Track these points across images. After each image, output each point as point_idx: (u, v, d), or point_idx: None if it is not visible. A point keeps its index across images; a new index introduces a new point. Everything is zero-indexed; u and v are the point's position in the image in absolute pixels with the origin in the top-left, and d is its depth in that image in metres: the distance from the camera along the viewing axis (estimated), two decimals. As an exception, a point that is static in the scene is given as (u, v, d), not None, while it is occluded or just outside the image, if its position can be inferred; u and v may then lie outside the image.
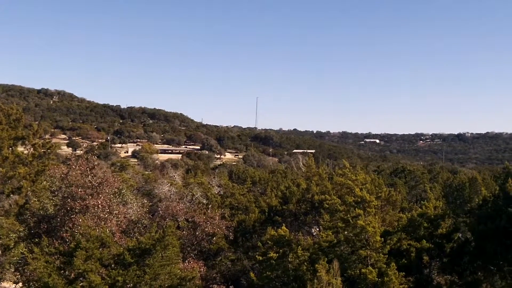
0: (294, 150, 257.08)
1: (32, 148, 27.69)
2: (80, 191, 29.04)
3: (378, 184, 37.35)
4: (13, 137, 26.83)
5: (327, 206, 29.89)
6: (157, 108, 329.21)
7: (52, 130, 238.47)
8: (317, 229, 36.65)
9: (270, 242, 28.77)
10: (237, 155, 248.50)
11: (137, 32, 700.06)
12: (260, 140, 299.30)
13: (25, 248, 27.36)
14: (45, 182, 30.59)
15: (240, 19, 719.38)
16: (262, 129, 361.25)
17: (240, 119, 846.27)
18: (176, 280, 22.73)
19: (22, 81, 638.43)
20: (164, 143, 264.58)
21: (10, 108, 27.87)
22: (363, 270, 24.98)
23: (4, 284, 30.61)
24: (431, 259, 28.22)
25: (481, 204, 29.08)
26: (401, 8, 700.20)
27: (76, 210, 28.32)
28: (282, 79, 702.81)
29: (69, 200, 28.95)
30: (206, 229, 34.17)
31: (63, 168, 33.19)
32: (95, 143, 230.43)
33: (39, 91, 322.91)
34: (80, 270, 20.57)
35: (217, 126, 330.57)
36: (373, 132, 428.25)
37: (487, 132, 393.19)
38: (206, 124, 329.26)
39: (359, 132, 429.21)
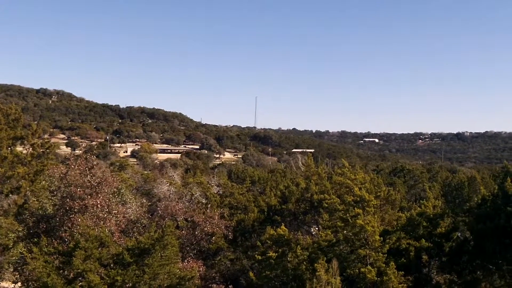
0: (293, 150, 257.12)
1: (31, 148, 27.65)
2: (79, 191, 29.01)
3: (377, 184, 37.40)
4: (12, 137, 26.80)
5: (326, 205, 29.90)
6: (156, 107, 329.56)
7: (51, 130, 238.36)
8: (316, 228, 36.65)
9: (269, 242, 28.77)
10: (236, 155, 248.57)
11: (136, 32, 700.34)
12: (259, 139, 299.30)
13: (24, 248, 27.33)
14: (44, 182, 30.55)
15: (239, 19, 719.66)
16: (261, 128, 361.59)
17: (239, 118, 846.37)
18: (175, 279, 22.73)
19: (21, 81, 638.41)
20: (163, 143, 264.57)
21: (9, 108, 27.84)
22: (362, 270, 25.00)
23: (3, 284, 30.60)
24: (430, 258, 28.24)
25: (480, 203, 29.09)
26: (400, 7, 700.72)
27: (75, 210, 28.30)
28: (281, 79, 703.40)
29: (68, 199, 28.92)
30: (205, 229, 34.16)
31: (62, 168, 33.14)
32: (94, 142, 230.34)
33: (38, 91, 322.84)
34: (79, 270, 20.57)
35: (216, 125, 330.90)
36: (372, 132, 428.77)
37: (486, 132, 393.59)
38: (205, 123, 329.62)
39: (358, 132, 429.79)
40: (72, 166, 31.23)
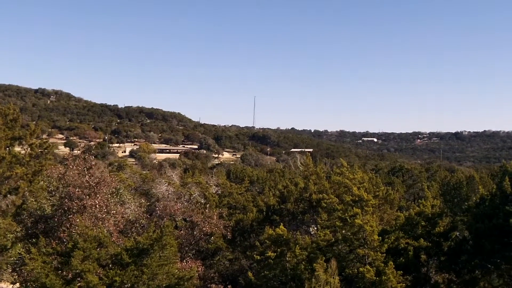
0: (292, 149, 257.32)
1: (29, 148, 27.63)
2: (78, 191, 28.97)
3: (375, 183, 37.47)
4: (10, 137, 26.78)
5: (325, 205, 29.90)
6: (155, 107, 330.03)
7: (50, 130, 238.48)
8: (315, 228, 36.63)
9: (268, 242, 28.75)
10: (235, 154, 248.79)
11: (134, 31, 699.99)
12: (258, 139, 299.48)
13: (23, 248, 27.31)
14: (42, 182, 30.52)
15: (238, 19, 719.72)
16: (260, 128, 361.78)
17: (238, 118, 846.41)
18: (174, 280, 22.71)
19: (19, 81, 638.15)
20: (161, 143, 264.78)
21: (7, 108, 27.80)
22: (361, 269, 25.00)
23: (2, 284, 30.59)
24: (429, 258, 28.23)
25: (479, 202, 29.09)
26: (399, 7, 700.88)
27: (74, 210, 28.26)
28: (280, 78, 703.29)
29: (66, 200, 28.88)
30: (204, 229, 34.14)
31: (60, 168, 33.10)
32: (92, 142, 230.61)
33: (36, 91, 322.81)
34: (77, 270, 20.55)
35: (215, 125, 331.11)
36: (371, 131, 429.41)
37: (485, 131, 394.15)
38: (204, 123, 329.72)
39: (357, 131, 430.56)
40: (71, 166, 31.18)
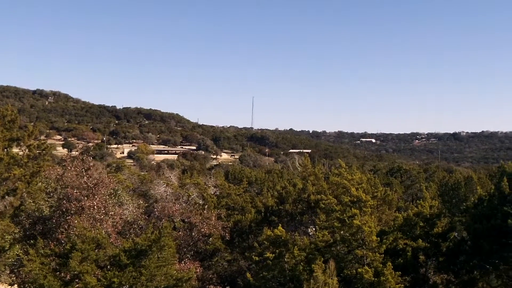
0: (290, 150, 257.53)
1: (27, 149, 27.54)
2: (76, 192, 28.95)
3: (374, 184, 37.48)
4: (8, 138, 26.70)
5: (323, 206, 29.90)
6: (153, 108, 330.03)
7: (48, 131, 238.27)
8: (314, 229, 36.63)
9: (266, 242, 28.75)
10: (233, 155, 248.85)
11: (132, 32, 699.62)
12: (256, 140, 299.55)
13: (21, 249, 27.24)
14: (40, 183, 30.48)
15: (236, 19, 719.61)
16: (258, 129, 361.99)
17: (236, 119, 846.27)
18: (172, 281, 22.68)
19: (17, 82, 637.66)
20: (160, 144, 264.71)
21: (5, 109, 27.73)
22: (359, 270, 24.99)
23: (0, 286, 30.52)
24: (427, 258, 28.24)
25: (477, 203, 29.10)
26: (397, 7, 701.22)
27: (72, 212, 28.24)
28: (278, 79, 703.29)
29: (64, 201, 28.86)
30: (202, 230, 34.13)
31: (58, 169, 33.06)
32: (90, 144, 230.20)
33: (34, 92, 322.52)
34: (75, 272, 20.52)
35: (213, 126, 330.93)
36: (369, 132, 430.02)
37: (483, 131, 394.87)
38: (202, 124, 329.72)
39: (355, 132, 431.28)
40: (69, 168, 31.15)
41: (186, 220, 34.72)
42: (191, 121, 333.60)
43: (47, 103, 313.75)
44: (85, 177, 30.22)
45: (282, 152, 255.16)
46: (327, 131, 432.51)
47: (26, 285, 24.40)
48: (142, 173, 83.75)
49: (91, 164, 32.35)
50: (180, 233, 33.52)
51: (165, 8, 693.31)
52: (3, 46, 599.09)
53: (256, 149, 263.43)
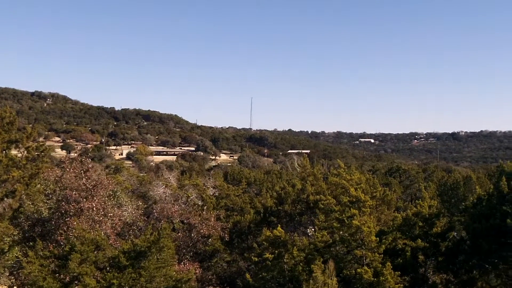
0: (289, 151, 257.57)
1: (26, 151, 27.53)
2: (75, 194, 28.94)
3: (373, 184, 37.48)
4: (6, 140, 26.69)
5: (322, 206, 29.91)
6: (152, 109, 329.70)
7: (46, 132, 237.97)
8: (313, 229, 36.63)
9: (265, 243, 28.76)
10: (232, 156, 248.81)
11: (130, 33, 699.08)
12: (255, 140, 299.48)
13: (20, 251, 27.26)
14: (39, 185, 30.46)
15: (234, 19, 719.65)
16: (257, 129, 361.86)
17: (235, 120, 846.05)
18: (172, 282, 22.68)
19: (15, 84, 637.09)
20: (158, 145, 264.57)
21: (4, 111, 27.72)
22: (358, 270, 25.01)
23: (-1, 288, 30.50)
24: (427, 258, 28.26)
25: (476, 202, 29.13)
26: (395, 7, 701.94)
27: (71, 213, 28.23)
28: (277, 80, 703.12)
29: (63, 203, 28.84)
30: (202, 231, 34.12)
31: (57, 171, 33.05)
32: (89, 145, 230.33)
33: (32, 94, 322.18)
34: (75, 273, 20.52)
35: (212, 127, 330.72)
36: (368, 132, 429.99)
37: (481, 131, 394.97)
38: (201, 125, 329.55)
39: (354, 132, 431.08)
40: (67, 169, 31.14)
41: (185, 221, 34.70)
42: (189, 122, 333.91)
43: (45, 104, 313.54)
44: (84, 179, 30.21)
45: (281, 153, 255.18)
46: (326, 131, 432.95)
47: (26, 287, 24.39)
48: (141, 174, 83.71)
49: (90, 165, 32.34)
50: (179, 234, 33.51)
51: (163, 9, 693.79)
52: (1, 48, 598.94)
53: (255, 149, 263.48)
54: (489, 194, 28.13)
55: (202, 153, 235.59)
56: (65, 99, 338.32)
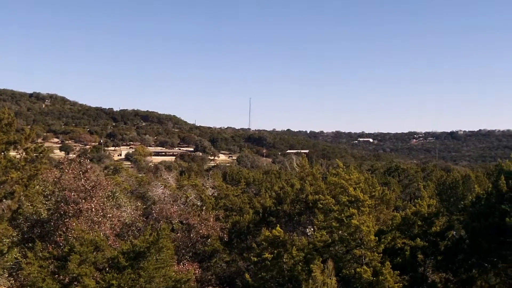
0: (288, 151, 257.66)
1: (24, 153, 27.50)
2: (73, 195, 28.93)
3: (372, 183, 37.48)
4: (5, 141, 26.67)
5: (321, 206, 29.92)
6: (150, 110, 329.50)
7: (45, 134, 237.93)
8: (312, 229, 36.64)
9: (264, 243, 28.77)
10: (231, 156, 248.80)
11: (129, 34, 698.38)
12: (254, 141, 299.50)
13: (19, 253, 27.23)
14: (38, 186, 30.46)
15: (233, 20, 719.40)
16: (255, 130, 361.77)
17: (234, 120, 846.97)
18: (171, 282, 22.68)
19: (13, 85, 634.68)
20: (157, 146, 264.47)
21: (2, 112, 27.68)
22: (358, 270, 25.03)
23: (-2, 289, 30.47)
24: (426, 257, 28.28)
25: (475, 201, 29.15)
26: (393, 7, 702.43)
27: (70, 214, 28.22)
28: (275, 80, 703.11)
29: (62, 204, 28.84)
30: (201, 231, 34.11)
31: (56, 172, 33.05)
32: (88, 146, 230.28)
33: (31, 95, 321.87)
34: (74, 274, 20.50)
35: (211, 127, 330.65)
36: (367, 131, 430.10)
37: (480, 130, 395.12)
38: (200, 125, 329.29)
39: (353, 132, 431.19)
40: (66, 170, 31.14)
41: (184, 221, 34.69)
42: (188, 123, 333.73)
43: (43, 106, 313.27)
44: (82, 180, 30.21)
45: (279, 153, 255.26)
46: (325, 131, 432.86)
47: (25, 288, 24.38)
48: (140, 175, 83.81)
49: (89, 166, 32.32)
50: (178, 234, 33.50)
51: (161, 10, 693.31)
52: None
53: (253, 150, 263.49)
54: (488, 193, 28.15)
55: (200, 154, 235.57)
56: (63, 100, 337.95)
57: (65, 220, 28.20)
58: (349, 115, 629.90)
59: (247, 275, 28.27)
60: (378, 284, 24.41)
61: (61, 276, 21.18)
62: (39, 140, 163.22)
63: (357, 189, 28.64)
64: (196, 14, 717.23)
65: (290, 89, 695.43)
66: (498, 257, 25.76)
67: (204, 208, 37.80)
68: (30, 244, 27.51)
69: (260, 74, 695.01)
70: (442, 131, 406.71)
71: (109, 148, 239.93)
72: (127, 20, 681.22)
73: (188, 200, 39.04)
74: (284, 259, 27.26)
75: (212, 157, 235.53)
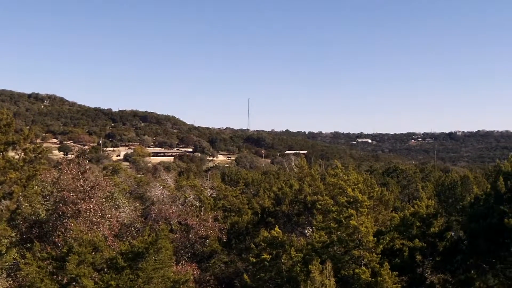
0: (287, 151, 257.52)
1: (23, 153, 27.51)
2: (72, 195, 28.92)
3: (370, 184, 37.48)
4: (3, 142, 26.66)
5: (320, 206, 29.97)
6: (149, 111, 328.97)
7: (43, 134, 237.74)
8: (310, 229, 36.68)
9: (263, 244, 28.78)
10: (230, 157, 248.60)
11: (127, 34, 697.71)
12: (253, 141, 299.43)
13: (17, 253, 27.22)
14: (36, 187, 30.43)
15: (230, 20, 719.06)
16: (254, 130, 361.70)
17: (232, 121, 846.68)
18: (170, 283, 22.68)
19: (12, 86, 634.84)
20: (156, 146, 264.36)
21: (1, 113, 27.68)
22: (356, 270, 25.04)
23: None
24: (424, 258, 28.32)
25: (473, 202, 29.19)
26: (392, 6, 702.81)
27: (68, 215, 28.22)
28: (274, 80, 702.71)
29: (61, 204, 28.83)
30: (199, 232, 34.13)
31: (54, 173, 33.05)
32: (86, 147, 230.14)
33: (29, 96, 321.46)
34: (72, 275, 20.49)
35: (209, 128, 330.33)
36: (365, 132, 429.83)
37: (478, 131, 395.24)
38: (198, 126, 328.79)
39: (351, 132, 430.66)
40: (65, 171, 31.14)
41: (183, 222, 34.71)
42: (187, 123, 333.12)
43: (42, 106, 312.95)
44: (81, 180, 30.21)
45: (278, 153, 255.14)
46: (323, 132, 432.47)
47: (23, 289, 24.37)
48: (139, 175, 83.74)
49: (87, 167, 32.33)
50: (177, 235, 33.52)
51: (160, 10, 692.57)
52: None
53: (252, 150, 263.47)
54: (486, 194, 28.18)
55: (199, 154, 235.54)
56: (62, 100, 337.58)
57: (64, 221, 28.21)
58: (348, 115, 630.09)
59: (245, 276, 28.30)
60: (376, 285, 24.44)
61: (59, 277, 21.19)
62: (38, 141, 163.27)
63: (355, 190, 28.65)
64: (196, 14, 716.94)
65: (289, 89, 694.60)
66: (496, 258, 25.81)
67: (202, 208, 37.82)
68: (28, 245, 27.52)
69: (258, 75, 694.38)
70: (440, 131, 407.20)
71: (108, 149, 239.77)
72: (126, 21, 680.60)
73: (186, 200, 39.06)
74: (282, 260, 27.29)
75: (211, 158, 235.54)
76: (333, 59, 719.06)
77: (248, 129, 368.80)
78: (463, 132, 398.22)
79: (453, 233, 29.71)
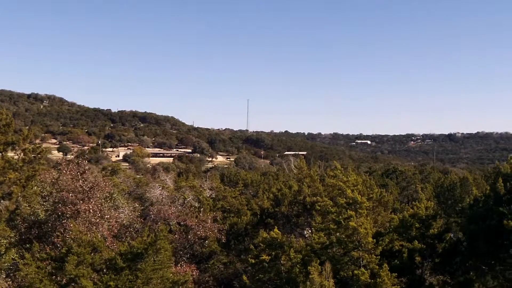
0: (286, 152, 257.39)
1: (22, 153, 27.49)
2: (71, 196, 28.91)
3: (369, 185, 37.46)
4: (3, 142, 26.64)
5: (319, 207, 29.95)
6: (148, 111, 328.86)
7: (43, 134, 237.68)
8: (309, 231, 36.66)
9: (262, 245, 28.75)
10: (229, 158, 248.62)
11: (127, 35, 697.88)
12: (252, 142, 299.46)
13: (16, 253, 27.19)
14: (35, 187, 30.40)
15: (230, 21, 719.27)
16: (253, 131, 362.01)
17: (232, 121, 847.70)
18: (169, 284, 22.67)
19: (11, 86, 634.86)
20: (155, 147, 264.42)
21: (0, 113, 27.69)
22: (355, 272, 25.03)
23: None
24: (423, 260, 28.31)
25: (472, 204, 29.20)
26: (391, 8, 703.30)
27: (67, 215, 28.19)
28: (273, 81, 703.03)
29: (60, 205, 28.81)
30: (198, 233, 34.12)
31: (53, 173, 33.03)
32: (86, 147, 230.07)
33: (29, 96, 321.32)
34: (71, 275, 20.48)
35: (209, 129, 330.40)
36: (364, 133, 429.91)
37: (478, 132, 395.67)
38: (198, 127, 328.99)
39: (350, 134, 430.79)
40: (64, 171, 31.12)
41: (182, 223, 34.69)
42: (186, 124, 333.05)
43: (42, 106, 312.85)
44: (80, 181, 30.19)
45: (277, 154, 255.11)
46: (322, 133, 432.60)
47: (22, 289, 24.34)
48: (138, 176, 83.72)
49: (87, 167, 32.32)
50: (176, 236, 33.49)
51: (160, 11, 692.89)
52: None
53: (251, 151, 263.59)
54: (485, 196, 28.18)
55: (198, 155, 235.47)
56: (61, 101, 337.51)
57: (63, 221, 28.19)
58: (347, 117, 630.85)
59: (244, 277, 28.26)
60: (375, 286, 24.43)
61: (58, 277, 21.17)
62: (37, 141, 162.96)
63: (355, 191, 28.64)
64: (195, 15, 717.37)
65: (288, 90, 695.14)
66: (495, 260, 25.81)
67: (202, 209, 37.78)
68: (27, 245, 27.50)
69: (258, 75, 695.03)
70: (440, 133, 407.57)
71: (107, 149, 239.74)
72: (126, 21, 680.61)
73: (186, 201, 39.05)
74: (281, 261, 27.27)
75: (210, 159, 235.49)
76: (332, 60, 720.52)
77: (247, 130, 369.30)
78: (462, 133, 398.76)
79: (452, 235, 29.71)
